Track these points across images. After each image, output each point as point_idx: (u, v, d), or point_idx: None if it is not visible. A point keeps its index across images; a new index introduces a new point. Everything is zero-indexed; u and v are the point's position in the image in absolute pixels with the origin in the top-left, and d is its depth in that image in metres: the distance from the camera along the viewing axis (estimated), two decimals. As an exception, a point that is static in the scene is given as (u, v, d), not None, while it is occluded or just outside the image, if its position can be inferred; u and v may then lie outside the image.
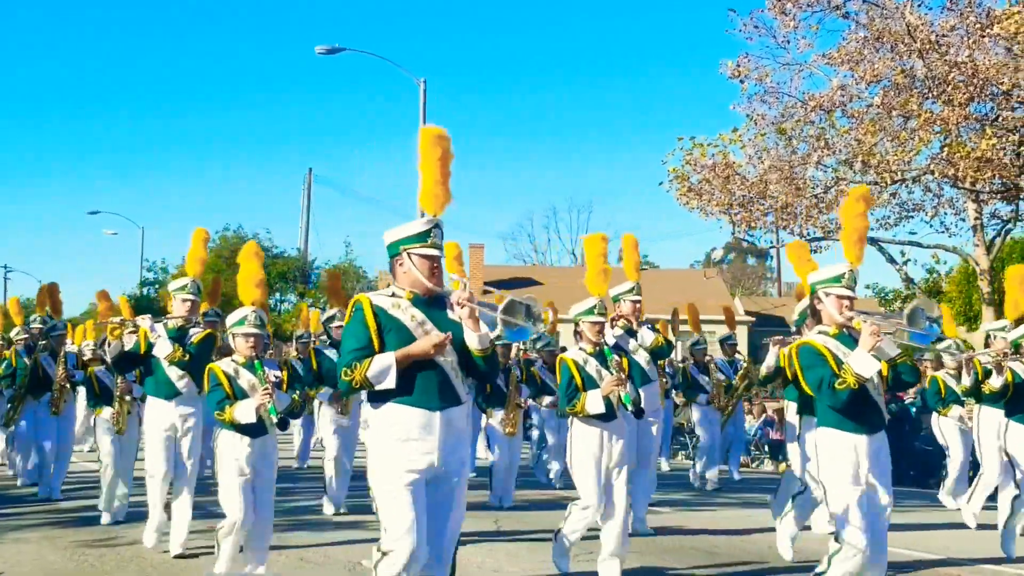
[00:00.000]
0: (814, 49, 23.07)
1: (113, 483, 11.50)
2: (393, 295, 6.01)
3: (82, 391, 13.63)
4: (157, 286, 54.78)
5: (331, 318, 12.79)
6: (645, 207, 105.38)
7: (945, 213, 24.33)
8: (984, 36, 20.82)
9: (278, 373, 8.51)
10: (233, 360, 8.49)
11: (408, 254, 6.08)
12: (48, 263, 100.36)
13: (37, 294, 15.91)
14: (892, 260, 25.78)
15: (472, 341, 5.89)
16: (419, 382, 5.78)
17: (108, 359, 10.00)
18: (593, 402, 8.36)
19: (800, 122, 23.19)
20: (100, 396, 11.74)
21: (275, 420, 8.04)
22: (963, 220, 24.47)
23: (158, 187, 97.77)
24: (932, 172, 22.10)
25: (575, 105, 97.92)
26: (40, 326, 14.32)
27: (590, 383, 8.52)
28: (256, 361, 8.39)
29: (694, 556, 9.90)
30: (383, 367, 5.68)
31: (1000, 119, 21.38)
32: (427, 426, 5.75)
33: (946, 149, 21.47)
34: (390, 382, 5.66)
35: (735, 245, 61.67)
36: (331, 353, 12.05)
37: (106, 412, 11.57)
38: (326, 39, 58.18)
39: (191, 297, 9.87)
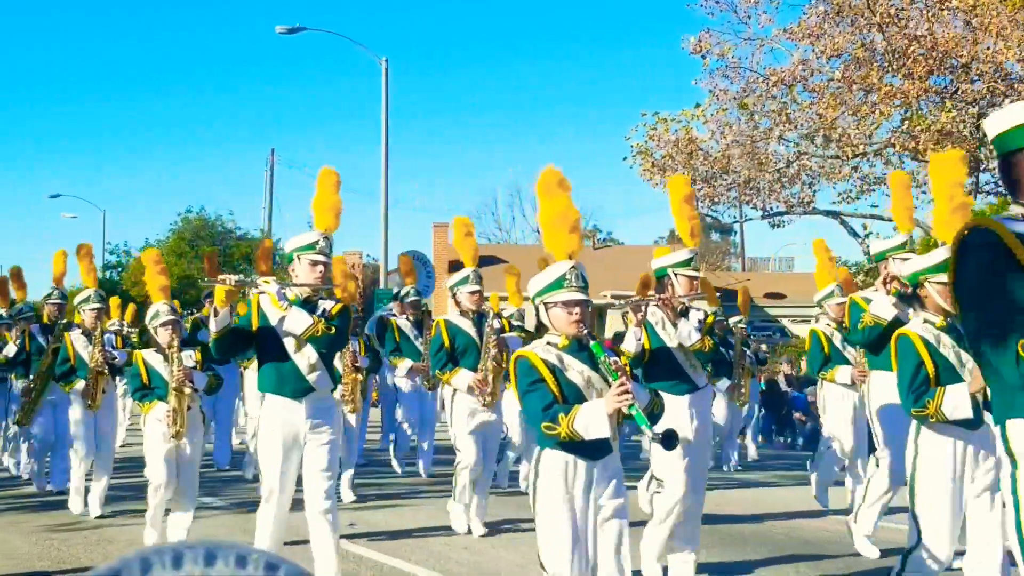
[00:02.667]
0: (775, 24, 23.24)
1: (161, 507, 9.02)
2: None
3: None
4: (120, 269, 54.42)
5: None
6: (609, 183, 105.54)
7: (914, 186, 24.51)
8: (943, 9, 20.98)
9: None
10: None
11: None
12: (5, 247, 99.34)
13: (4, 279, 14.96)
14: (854, 234, 25.97)
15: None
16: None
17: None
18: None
19: (762, 97, 23.29)
20: (150, 386, 9.00)
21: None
22: (924, 192, 24.66)
23: (119, 170, 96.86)
24: (893, 145, 22.26)
25: (537, 82, 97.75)
26: (59, 301, 12.79)
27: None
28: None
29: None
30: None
31: (959, 92, 21.54)
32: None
33: (906, 122, 21.64)
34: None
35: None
36: None
37: (158, 409, 8.84)
38: (286, 19, 57.72)
39: (322, 259, 7.37)
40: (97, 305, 11.09)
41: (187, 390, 8.80)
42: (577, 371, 5.36)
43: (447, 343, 9.70)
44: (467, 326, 9.75)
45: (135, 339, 11.57)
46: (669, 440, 5.19)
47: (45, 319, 13.02)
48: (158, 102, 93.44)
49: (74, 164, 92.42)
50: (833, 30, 22.15)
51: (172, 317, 8.92)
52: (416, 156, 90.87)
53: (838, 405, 10.63)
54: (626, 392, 5.09)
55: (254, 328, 7.33)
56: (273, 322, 7.25)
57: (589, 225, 62.79)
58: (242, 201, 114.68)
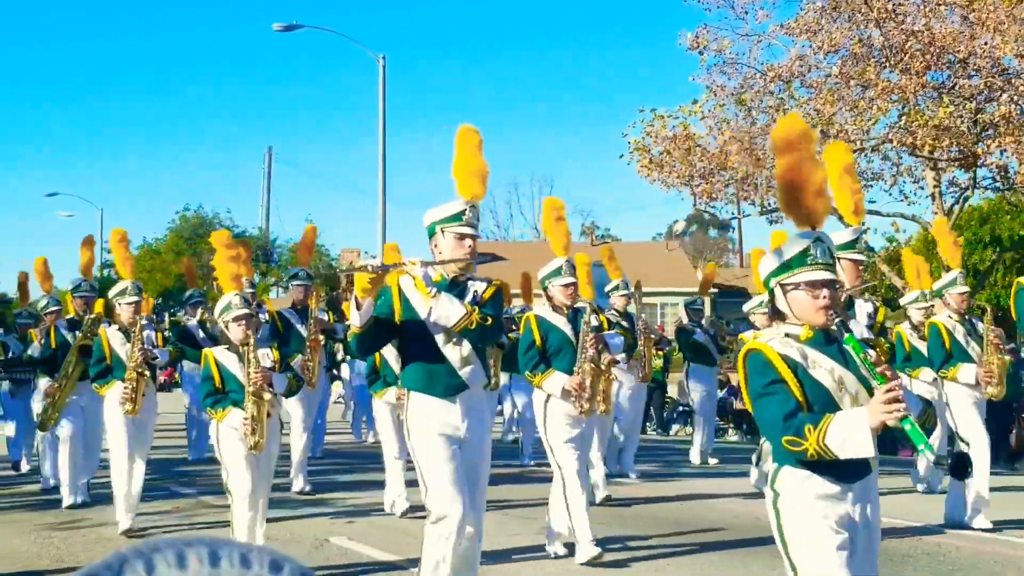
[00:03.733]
0: (772, 19, 23.20)
1: (246, 522, 8.22)
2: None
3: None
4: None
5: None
6: (607, 180, 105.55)
7: (904, 181, 24.49)
8: (940, 5, 20.98)
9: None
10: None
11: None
12: (2, 247, 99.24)
13: (24, 276, 14.54)
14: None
15: None
16: None
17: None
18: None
19: (759, 93, 23.26)
20: (224, 390, 8.16)
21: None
22: (922, 188, 24.65)
23: (117, 168, 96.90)
24: (891, 141, 22.25)
25: (534, 79, 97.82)
26: (89, 293, 11.78)
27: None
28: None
29: (659, 525, 9.96)
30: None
31: (957, 87, 21.54)
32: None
33: (904, 118, 21.62)
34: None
35: (697, 217, 61.81)
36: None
37: (233, 416, 7.99)
38: (283, 16, 57.73)
39: (470, 231, 6.47)
40: (135, 298, 10.14)
41: (266, 395, 7.93)
42: (826, 370, 4.29)
43: (539, 341, 8.74)
44: (561, 323, 8.83)
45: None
46: (961, 467, 4.28)
47: (72, 313, 12.02)
48: (156, 100, 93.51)
49: (71, 162, 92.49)
50: (830, 26, 22.14)
51: (246, 311, 8.10)
52: (414, 153, 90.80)
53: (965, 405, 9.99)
54: (896, 400, 4.01)
55: (397, 319, 6.40)
56: (420, 311, 6.33)
57: (587, 221, 62.86)
58: (240, 199, 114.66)
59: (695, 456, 15.29)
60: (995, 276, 30.35)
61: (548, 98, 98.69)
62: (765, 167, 23.40)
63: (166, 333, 11.54)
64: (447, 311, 6.23)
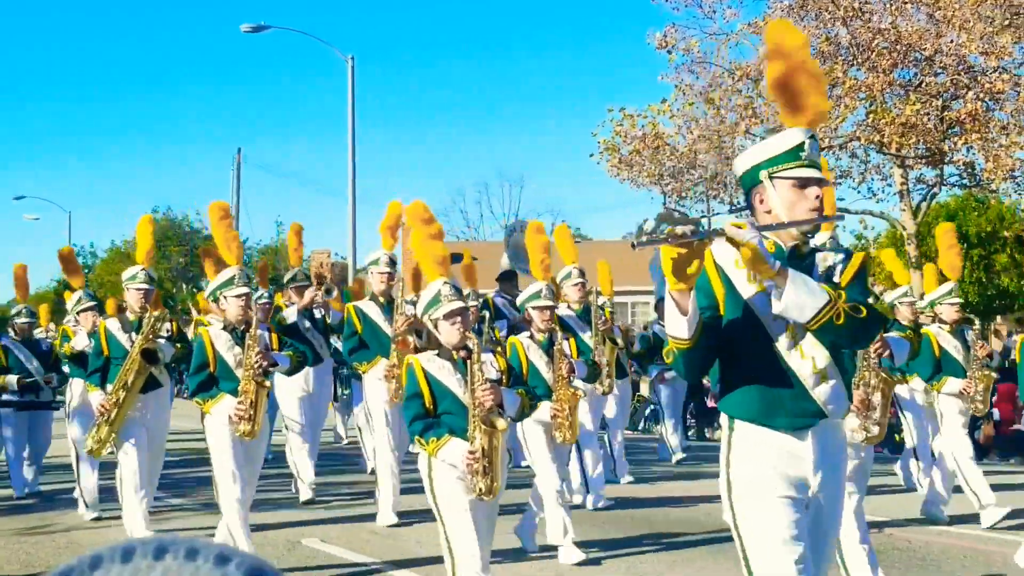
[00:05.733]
0: (740, 18, 23.30)
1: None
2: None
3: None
4: (87, 270, 54.07)
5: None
6: (576, 179, 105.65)
7: (872, 179, 24.62)
8: (906, 3, 21.14)
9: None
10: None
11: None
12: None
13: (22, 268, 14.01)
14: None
15: None
16: None
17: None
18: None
19: (728, 91, 23.34)
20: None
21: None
22: (890, 185, 24.78)
23: (84, 171, 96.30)
24: (858, 138, 22.39)
25: (503, 78, 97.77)
26: (146, 286, 9.57)
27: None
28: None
29: (637, 526, 9.98)
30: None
31: (923, 85, 21.69)
32: None
33: (871, 115, 21.76)
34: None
35: (666, 216, 61.93)
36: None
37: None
38: (251, 17, 57.50)
39: (815, 175, 4.33)
40: (243, 291, 8.07)
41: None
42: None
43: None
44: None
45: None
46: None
47: (126, 311, 9.90)
48: (124, 102, 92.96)
49: (38, 165, 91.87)
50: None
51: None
52: (383, 153, 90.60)
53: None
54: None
55: (721, 310, 4.32)
56: (750, 300, 4.29)
57: (557, 221, 62.92)
58: (209, 201, 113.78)
59: (673, 453, 15.39)
60: (963, 273, 30.53)
61: (517, 98, 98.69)
62: (733, 165, 23.51)
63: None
64: (799, 298, 4.03)
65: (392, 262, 10.50)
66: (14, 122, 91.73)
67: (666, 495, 11.88)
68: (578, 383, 8.87)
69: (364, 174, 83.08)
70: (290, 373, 8.64)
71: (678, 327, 4.03)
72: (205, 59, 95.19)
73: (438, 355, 6.12)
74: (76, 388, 11.18)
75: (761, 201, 4.33)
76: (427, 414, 5.98)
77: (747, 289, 4.27)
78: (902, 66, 21.63)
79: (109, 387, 8.99)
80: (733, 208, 25.27)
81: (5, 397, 12.19)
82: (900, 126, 21.06)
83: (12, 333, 12.46)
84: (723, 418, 4.37)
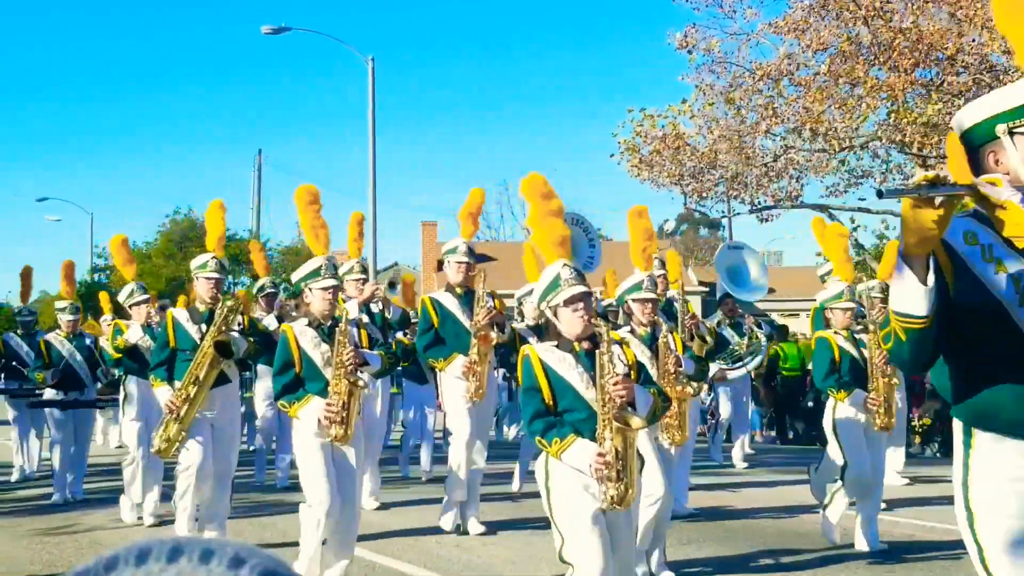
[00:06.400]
0: (760, 18, 23.24)
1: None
2: None
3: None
4: (108, 271, 54.30)
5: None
6: (597, 180, 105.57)
7: (893, 179, 24.53)
8: (928, 2, 21.03)
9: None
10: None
11: None
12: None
13: (28, 270, 13.95)
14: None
15: None
16: None
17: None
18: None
19: (748, 91, 23.27)
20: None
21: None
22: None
23: (106, 172, 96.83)
24: (880, 138, 22.31)
25: (524, 79, 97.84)
26: (216, 274, 8.76)
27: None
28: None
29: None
30: None
31: (945, 84, 21.58)
32: None
33: (893, 115, 21.66)
34: None
35: (687, 216, 61.87)
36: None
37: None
38: (272, 19, 57.61)
39: None
40: (331, 283, 7.31)
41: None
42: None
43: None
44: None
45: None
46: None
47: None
48: (145, 104, 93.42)
49: (61, 167, 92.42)
50: (819, 24, 22.17)
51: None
52: (404, 155, 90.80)
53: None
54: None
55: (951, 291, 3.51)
56: (996, 281, 3.48)
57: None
58: (230, 202, 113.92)
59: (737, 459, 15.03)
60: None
61: (538, 98, 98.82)
62: (755, 165, 23.44)
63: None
64: None
65: (471, 251, 9.74)
66: (37, 124, 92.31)
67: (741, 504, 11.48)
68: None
69: (384, 174, 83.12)
70: (380, 375, 8.15)
71: (913, 301, 3.35)
72: (226, 61, 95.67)
73: (557, 347, 5.49)
74: (132, 385, 10.71)
75: (997, 162, 3.53)
76: (548, 411, 5.36)
77: (987, 269, 3.48)
78: (924, 65, 21.53)
79: (177, 382, 8.46)
80: (753, 208, 25.21)
81: (48, 395, 11.86)
82: (922, 126, 20.98)
83: (58, 330, 12.11)
84: (956, 426, 3.63)
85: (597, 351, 5.29)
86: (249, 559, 0.98)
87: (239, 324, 8.74)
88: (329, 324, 7.20)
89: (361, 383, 6.89)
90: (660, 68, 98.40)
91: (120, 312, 12.40)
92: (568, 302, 5.40)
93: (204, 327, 8.50)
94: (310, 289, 7.08)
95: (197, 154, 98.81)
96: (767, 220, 25.90)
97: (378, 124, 29.82)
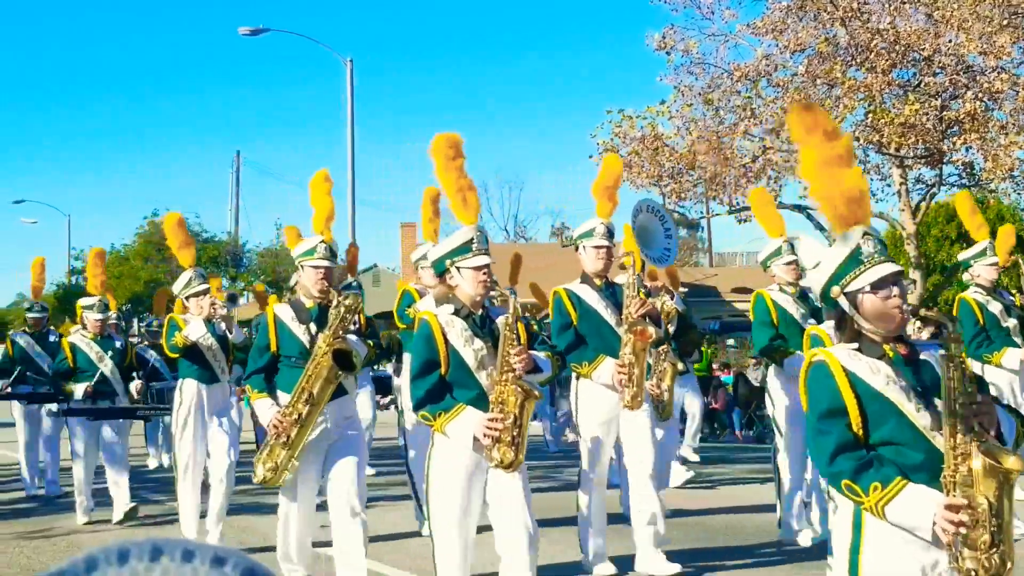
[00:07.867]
0: (739, 19, 23.36)
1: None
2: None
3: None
4: (80, 275, 54.06)
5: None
6: (575, 181, 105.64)
7: (871, 179, 24.63)
8: (905, 3, 21.16)
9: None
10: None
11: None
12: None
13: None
14: (820, 227, 26.09)
15: None
16: None
17: None
18: None
19: (727, 92, 23.36)
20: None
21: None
22: (889, 185, 24.78)
23: (83, 174, 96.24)
24: (857, 139, 22.38)
25: (502, 80, 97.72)
26: (327, 261, 7.40)
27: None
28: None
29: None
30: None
31: (922, 85, 21.71)
32: None
33: (870, 116, 21.78)
34: None
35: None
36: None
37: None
38: (249, 20, 57.55)
39: None
40: (484, 260, 5.99)
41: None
42: None
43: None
44: None
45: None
46: None
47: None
48: (122, 106, 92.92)
49: (37, 169, 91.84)
50: (796, 25, 22.28)
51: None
52: (383, 156, 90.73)
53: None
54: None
55: None
56: None
57: (557, 222, 62.89)
58: (208, 204, 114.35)
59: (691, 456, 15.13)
60: (961, 272, 30.52)
61: (516, 100, 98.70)
62: (733, 166, 23.51)
63: (135, 340, 10.62)
64: None
65: (611, 233, 8.09)
66: (13, 126, 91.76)
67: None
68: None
69: (363, 176, 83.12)
70: (544, 383, 6.55)
71: None
72: (203, 62, 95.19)
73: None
74: (188, 391, 9.23)
75: None
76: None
77: None
78: (901, 66, 21.68)
79: (281, 393, 7.04)
80: (732, 209, 25.27)
81: (75, 404, 10.44)
82: (899, 126, 21.09)
83: (83, 328, 10.78)
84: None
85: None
86: (229, 558, 0.98)
87: (355, 324, 7.27)
88: (480, 314, 5.83)
89: (537, 392, 5.56)
90: (638, 69, 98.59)
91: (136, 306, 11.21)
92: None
93: (312, 327, 7.05)
94: (457, 268, 5.76)
95: (175, 156, 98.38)
96: (746, 221, 25.97)
97: (357, 125, 29.75)
